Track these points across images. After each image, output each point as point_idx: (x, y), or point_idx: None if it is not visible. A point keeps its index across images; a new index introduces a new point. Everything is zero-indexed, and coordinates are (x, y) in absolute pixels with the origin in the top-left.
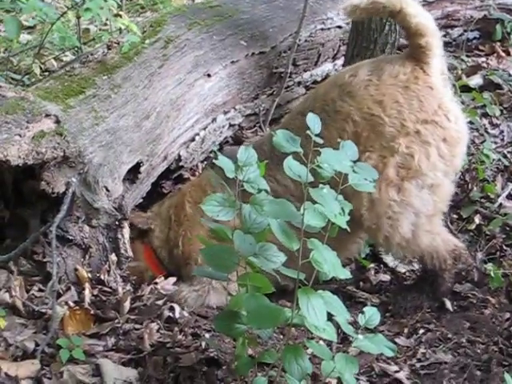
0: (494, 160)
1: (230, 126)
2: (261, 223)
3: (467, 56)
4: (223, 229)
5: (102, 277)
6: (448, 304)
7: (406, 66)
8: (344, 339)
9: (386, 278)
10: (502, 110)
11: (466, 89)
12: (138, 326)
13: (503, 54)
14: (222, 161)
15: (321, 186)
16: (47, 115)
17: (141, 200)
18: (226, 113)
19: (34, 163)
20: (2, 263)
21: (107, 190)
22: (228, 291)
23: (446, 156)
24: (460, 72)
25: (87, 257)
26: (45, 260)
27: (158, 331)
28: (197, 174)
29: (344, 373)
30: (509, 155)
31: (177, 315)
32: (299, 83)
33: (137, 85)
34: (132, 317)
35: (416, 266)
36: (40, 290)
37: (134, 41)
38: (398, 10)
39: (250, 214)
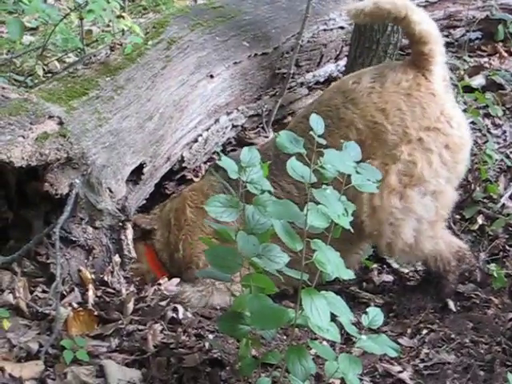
0: (496, 160)
1: (233, 126)
2: (264, 224)
3: (469, 56)
4: (226, 230)
5: (106, 278)
6: (451, 304)
7: (409, 72)
8: (347, 340)
9: (389, 278)
10: (504, 111)
11: (468, 89)
12: (141, 327)
13: (505, 55)
14: (226, 162)
15: (324, 186)
16: (50, 117)
17: (144, 201)
18: (228, 114)
19: (38, 164)
20: (5, 264)
21: (110, 191)
22: (231, 292)
23: (449, 163)
24: (462, 72)
25: (91, 258)
26: (48, 261)
27: (161, 332)
28: (200, 175)
29: (347, 373)
30: (511, 155)
31: (180, 316)
32: (302, 84)
33: (140, 86)
34: (136, 318)
35: (419, 267)
36: (44, 291)
37: (136, 42)
38: (403, 16)
39: (253, 214)
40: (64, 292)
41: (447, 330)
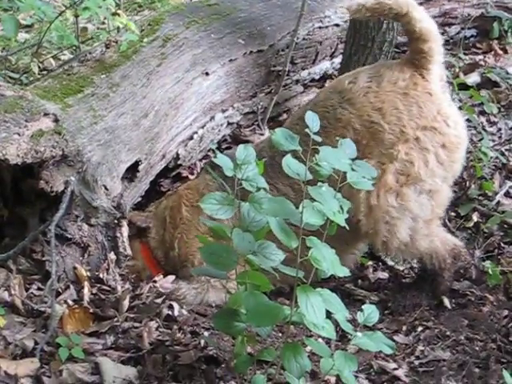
0: (491, 158)
1: (229, 124)
2: (260, 221)
3: (465, 54)
4: (222, 227)
5: (101, 275)
6: (446, 302)
7: (405, 72)
8: (343, 337)
9: (385, 275)
10: (499, 108)
11: (463, 87)
12: (137, 325)
13: (500, 52)
14: (221, 159)
15: (319, 184)
16: (46, 114)
17: (139, 198)
18: (224, 111)
19: (33, 162)
20: (1, 262)
21: (106, 189)
22: (227, 289)
23: (445, 162)
24: (457, 70)
25: (86, 255)
26: (44, 259)
27: (157, 329)
28: (195, 172)
29: (343, 370)
30: (506, 153)
31: (176, 313)
32: (297, 81)
33: (135, 83)
34: (131, 315)
35: (414, 264)
36: (39, 289)
37: (132, 39)
38: (404, 12)
39: (248, 212)
40: (59, 289)
41: (442, 327)
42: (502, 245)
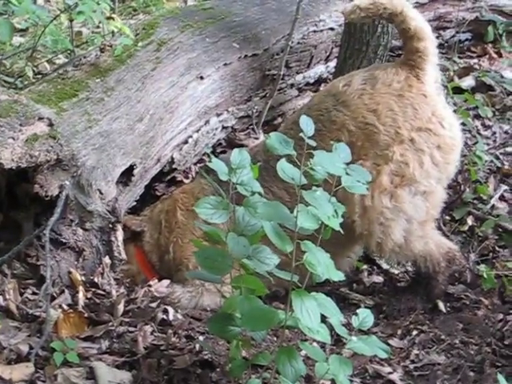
0: (486, 161)
1: (223, 128)
2: (254, 225)
3: (459, 57)
4: (217, 231)
5: (96, 280)
6: (441, 305)
7: (400, 74)
8: (338, 341)
9: (380, 279)
10: (494, 112)
11: (458, 90)
12: (131, 329)
13: (495, 56)
14: (216, 163)
15: (314, 188)
16: (40, 118)
17: (134, 203)
18: (218, 115)
19: (28, 166)
20: None
21: (101, 193)
22: (222, 293)
23: (440, 163)
24: (452, 73)
25: (81, 260)
26: (38, 263)
27: (151, 334)
28: (190, 176)
29: (338, 374)
30: (501, 156)
31: (171, 318)
32: (292, 85)
33: (130, 87)
34: (126, 319)
35: (409, 268)
36: (34, 293)
37: (126, 43)
38: (399, 12)
39: (243, 216)
40: (54, 294)
41: (437, 330)
42: (497, 248)
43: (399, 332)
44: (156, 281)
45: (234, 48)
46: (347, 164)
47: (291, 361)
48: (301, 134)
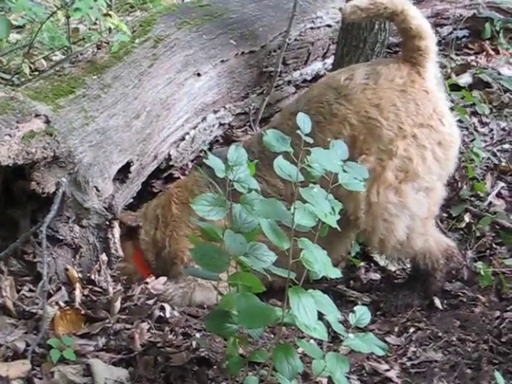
0: (483, 158)
1: (220, 125)
2: (251, 223)
3: (456, 54)
4: (213, 228)
5: (93, 277)
6: (438, 302)
7: (402, 69)
8: (335, 338)
9: (377, 276)
10: (491, 109)
11: (455, 87)
12: (128, 326)
13: (492, 53)
14: (213, 160)
15: (311, 185)
16: (37, 115)
17: (131, 200)
18: (215, 112)
19: (24, 163)
20: None
21: (97, 190)
22: (218, 290)
23: (441, 160)
24: (449, 70)
25: (78, 257)
26: (35, 260)
27: (148, 331)
28: (187, 173)
29: (335, 372)
30: (498, 153)
31: (167, 315)
32: (289, 82)
33: (127, 84)
34: (123, 317)
35: (406, 265)
36: (30, 290)
37: (123, 40)
38: (400, 11)
39: (240, 213)
40: (51, 291)
41: (434, 328)
42: (494, 246)
43: (396, 329)
44: (153, 278)
45: (231, 45)
46: (344, 161)
47: (288, 358)
48: (298, 132)
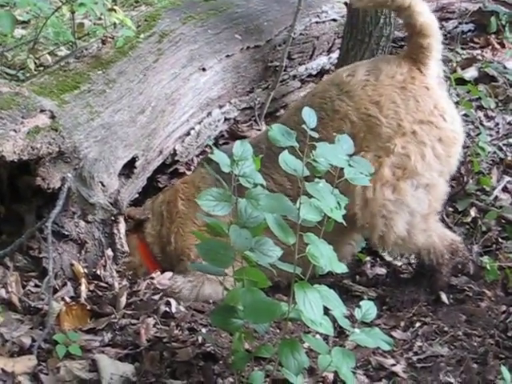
0: (489, 152)
1: (226, 119)
2: (257, 218)
3: (462, 48)
4: (219, 223)
5: (98, 272)
6: (444, 297)
7: (403, 66)
8: (340, 333)
9: (382, 271)
10: (497, 103)
11: (461, 81)
12: (134, 321)
13: (498, 47)
14: (218, 155)
15: (316, 180)
16: (42, 110)
17: (136, 195)
18: (221, 107)
19: (30, 159)
20: None
21: (103, 185)
22: (224, 286)
23: (442, 156)
24: (455, 64)
25: (83, 252)
26: (41, 255)
27: (154, 326)
28: (192, 168)
29: (341, 367)
30: (504, 148)
31: (173, 310)
32: (294, 77)
33: (132, 79)
34: (128, 312)
35: (412, 260)
36: (36, 286)
37: (128, 35)
38: (407, 5)
39: (245, 208)
40: (56, 286)
41: (440, 322)
42: (500, 240)
43: (402, 324)
44: (158, 273)
45: (236, 39)
46: (350, 156)
47: (294, 353)
48: (303, 126)
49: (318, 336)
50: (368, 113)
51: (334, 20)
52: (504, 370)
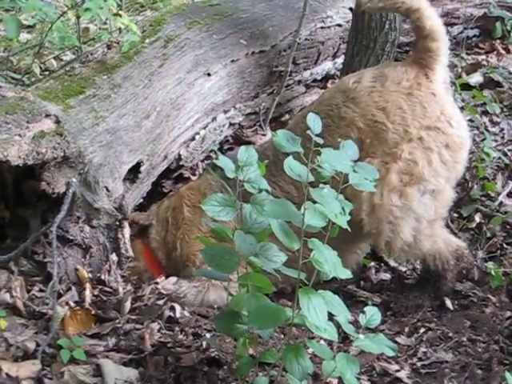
0: (494, 158)
1: (230, 124)
2: (261, 223)
3: (467, 54)
4: (224, 229)
5: (103, 277)
6: (448, 303)
7: (409, 72)
8: (345, 339)
9: (387, 276)
10: (502, 108)
11: (466, 87)
12: (138, 326)
13: (503, 52)
14: (223, 160)
15: (321, 185)
16: (47, 115)
17: (141, 200)
18: (226, 112)
19: (35, 163)
20: (2, 263)
21: (107, 190)
22: (229, 291)
23: (449, 162)
24: (460, 70)
25: (88, 257)
26: (45, 260)
27: (158, 331)
28: (197, 173)
29: (345, 372)
30: (509, 153)
31: (178, 315)
32: (299, 82)
33: (137, 84)
34: (133, 317)
35: (417, 265)
36: (41, 291)
37: (133, 40)
38: (416, 8)
39: (250, 213)
40: (61, 291)
41: (445, 328)
42: (505, 246)
43: (406, 329)
44: (163, 278)
45: (241, 44)
46: (355, 161)
47: (298, 359)
48: (308, 132)
49: (322, 342)
50: (374, 119)
51: (339, 25)
52: (508, 376)
